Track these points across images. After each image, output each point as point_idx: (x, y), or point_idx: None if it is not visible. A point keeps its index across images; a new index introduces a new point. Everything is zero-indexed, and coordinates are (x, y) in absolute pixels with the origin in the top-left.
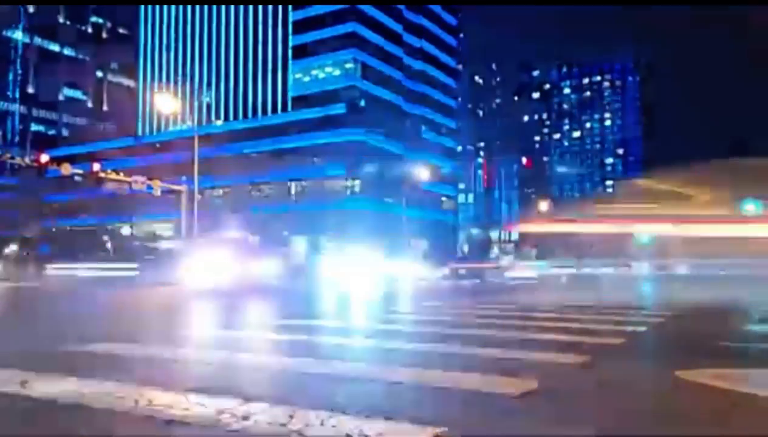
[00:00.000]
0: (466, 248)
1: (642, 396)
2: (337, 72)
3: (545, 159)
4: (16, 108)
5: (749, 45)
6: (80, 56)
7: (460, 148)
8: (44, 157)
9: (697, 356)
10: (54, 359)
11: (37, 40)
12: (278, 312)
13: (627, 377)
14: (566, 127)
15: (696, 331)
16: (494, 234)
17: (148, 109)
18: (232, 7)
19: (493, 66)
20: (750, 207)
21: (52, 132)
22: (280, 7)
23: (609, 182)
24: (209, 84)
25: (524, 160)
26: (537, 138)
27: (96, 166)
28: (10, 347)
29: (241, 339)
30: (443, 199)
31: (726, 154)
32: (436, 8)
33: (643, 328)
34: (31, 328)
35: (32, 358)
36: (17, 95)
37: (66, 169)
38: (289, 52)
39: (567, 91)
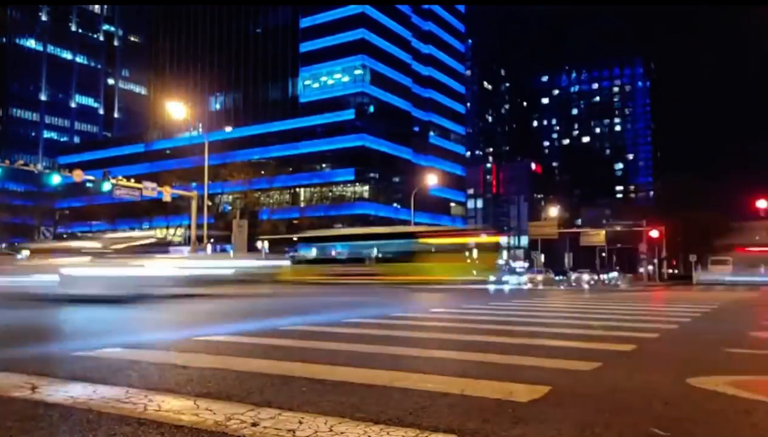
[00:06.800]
0: None
1: (655, 404)
2: (345, 78)
3: (555, 164)
4: (29, 115)
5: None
6: (92, 64)
7: (469, 154)
8: (78, 173)
9: None
10: (64, 363)
11: (50, 48)
12: None
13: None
14: (576, 133)
15: None
16: (503, 240)
17: (158, 116)
18: (242, 14)
19: (502, 71)
20: None
21: (64, 139)
22: (289, 15)
23: (619, 188)
24: (219, 91)
25: (534, 165)
26: (546, 143)
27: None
28: (20, 351)
29: None
30: (452, 204)
31: (731, 158)
32: (445, 14)
33: None
34: (42, 331)
35: (42, 363)
36: (30, 102)
37: (78, 175)
38: (299, 58)
39: (576, 96)
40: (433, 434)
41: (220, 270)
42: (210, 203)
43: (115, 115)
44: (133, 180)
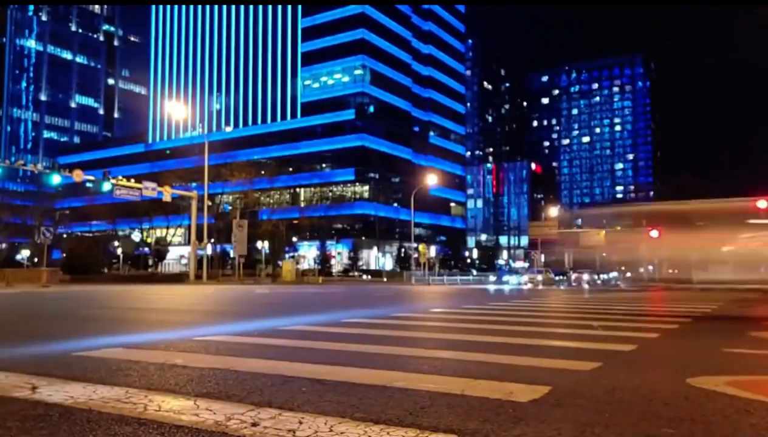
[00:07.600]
0: None
1: (655, 404)
2: (345, 78)
3: (555, 164)
4: (29, 115)
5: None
6: (92, 64)
7: (468, 154)
8: (78, 173)
9: None
10: (64, 364)
11: (50, 48)
12: None
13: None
14: (576, 133)
15: None
16: (503, 240)
17: (159, 116)
18: (242, 15)
19: (502, 71)
20: None
21: (64, 139)
22: (289, 15)
23: (619, 188)
24: (219, 91)
25: (534, 165)
26: (546, 143)
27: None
28: (20, 351)
29: None
30: (452, 204)
31: (732, 157)
32: (445, 14)
33: None
34: (42, 332)
35: (42, 363)
36: (30, 103)
37: (78, 175)
38: (299, 59)
39: (576, 96)
40: (433, 434)
41: None
42: (210, 203)
43: (115, 115)
44: (133, 180)
